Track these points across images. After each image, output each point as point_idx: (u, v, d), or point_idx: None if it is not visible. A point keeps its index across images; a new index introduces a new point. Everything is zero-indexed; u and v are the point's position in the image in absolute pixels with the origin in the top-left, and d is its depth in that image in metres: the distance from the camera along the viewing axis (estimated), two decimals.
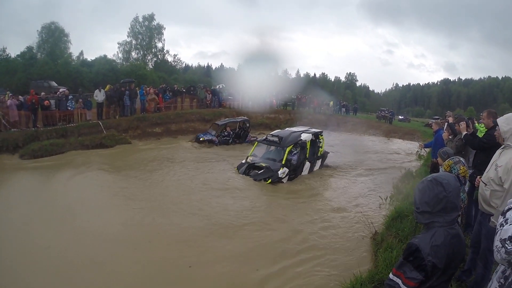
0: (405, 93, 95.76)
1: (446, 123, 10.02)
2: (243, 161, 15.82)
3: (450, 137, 8.52)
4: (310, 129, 17.41)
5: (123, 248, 8.32)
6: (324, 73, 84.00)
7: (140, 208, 10.75)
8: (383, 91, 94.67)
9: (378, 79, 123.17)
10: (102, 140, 19.16)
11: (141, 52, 46.63)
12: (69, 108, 20.23)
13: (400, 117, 44.39)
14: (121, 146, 19.64)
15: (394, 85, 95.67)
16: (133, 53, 46.66)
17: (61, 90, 22.90)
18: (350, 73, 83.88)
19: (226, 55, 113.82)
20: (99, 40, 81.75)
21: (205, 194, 12.50)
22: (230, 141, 22.24)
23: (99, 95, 20.97)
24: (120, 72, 36.81)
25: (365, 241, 8.97)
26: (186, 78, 50.14)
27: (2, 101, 18.41)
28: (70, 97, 20.82)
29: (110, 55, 46.61)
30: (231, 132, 22.59)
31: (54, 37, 41.02)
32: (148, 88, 24.71)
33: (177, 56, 54.26)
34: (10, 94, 19.64)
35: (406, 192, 10.99)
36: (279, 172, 14.23)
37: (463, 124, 6.97)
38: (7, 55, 41.22)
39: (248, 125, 23.81)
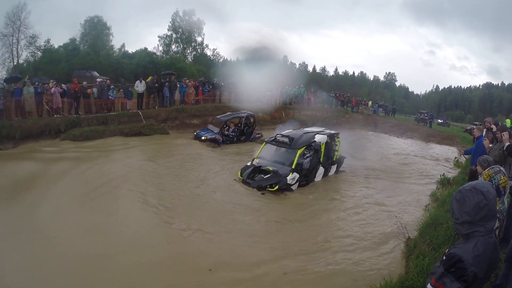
0: (445, 96, 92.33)
1: (485, 130, 9.84)
2: (249, 164, 14.20)
3: (490, 145, 8.22)
4: (325, 130, 15.87)
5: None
6: (362, 72, 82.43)
7: None
8: (422, 92, 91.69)
9: (418, 80, 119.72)
10: (141, 129, 19.47)
11: (181, 46, 47.09)
12: (110, 97, 20.66)
13: (439, 120, 42.80)
14: (159, 136, 19.85)
15: (435, 87, 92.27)
16: (173, 46, 47.25)
17: (98, 80, 23.41)
18: (389, 72, 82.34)
19: (266, 50, 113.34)
20: (140, 34, 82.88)
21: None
22: (234, 139, 20.40)
23: (140, 86, 21.41)
24: (160, 65, 37.35)
25: (397, 246, 8.73)
26: (225, 72, 50.20)
27: (46, 88, 19.05)
28: (111, 87, 21.17)
29: (150, 48, 47.23)
30: (235, 129, 20.68)
31: (96, 29, 41.92)
32: (187, 81, 24.92)
33: (216, 50, 54.52)
34: (54, 82, 19.93)
35: (442, 199, 10.88)
36: (288, 178, 12.61)
37: (506, 135, 6.90)
38: (51, 45, 42.04)
39: (253, 120, 21.91)
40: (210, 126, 20.60)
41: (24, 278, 6.74)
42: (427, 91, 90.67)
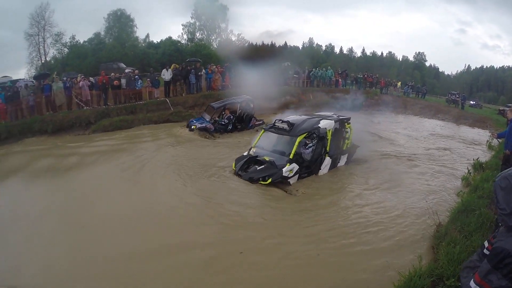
0: (477, 76, 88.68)
1: None
2: (245, 153, 12.82)
3: None
4: (334, 115, 13.92)
5: None
6: (391, 52, 79.42)
7: None
8: (453, 73, 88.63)
9: (448, 60, 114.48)
10: (169, 116, 19.63)
11: (205, 33, 46.76)
12: (138, 87, 20.97)
13: (471, 102, 40.94)
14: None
15: (466, 67, 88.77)
16: (197, 34, 46.82)
17: (126, 70, 23.65)
18: (419, 52, 78.87)
19: (293, 33, 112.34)
20: (164, 24, 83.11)
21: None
22: (229, 127, 18.52)
23: (166, 74, 21.64)
24: (185, 53, 37.48)
25: (427, 232, 8.28)
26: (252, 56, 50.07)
27: (75, 82, 19.68)
28: (136, 77, 21.48)
29: (175, 37, 47.13)
30: (231, 116, 18.71)
31: (120, 22, 42.31)
32: (214, 67, 24.80)
33: (241, 35, 54.23)
34: (82, 76, 20.62)
35: (474, 184, 10.35)
36: (283, 169, 11.13)
37: None
38: (77, 41, 42.81)
39: (252, 106, 19.68)
40: (205, 114, 18.98)
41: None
42: (458, 71, 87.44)
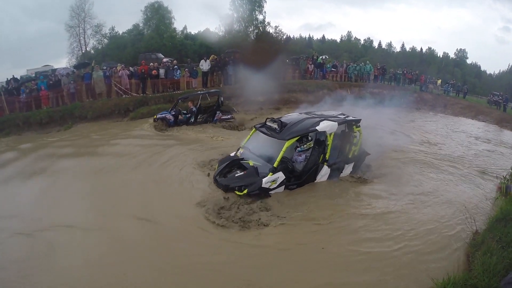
0: None
1: None
2: (232, 154, 11.38)
3: None
4: (341, 116, 11.89)
5: None
6: (431, 48, 76.52)
7: None
8: (496, 72, 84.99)
9: (491, 59, 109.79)
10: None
11: (243, 24, 46.55)
12: (176, 77, 21.28)
13: None
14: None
15: (510, 66, 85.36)
16: (234, 26, 46.67)
17: (164, 60, 23.85)
18: (460, 49, 75.68)
19: (332, 26, 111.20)
20: (202, 15, 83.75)
21: None
22: (191, 120, 17.59)
23: (205, 65, 21.76)
24: (222, 44, 37.47)
25: (463, 238, 7.90)
26: (288, 49, 49.71)
27: (114, 71, 20.30)
28: (175, 67, 21.77)
29: (212, 28, 47.53)
30: (193, 109, 17.73)
31: (158, 14, 42.82)
32: None
33: (278, 27, 53.99)
34: (122, 66, 21.37)
35: None
36: (264, 179, 9.54)
37: None
38: (116, 32, 44.06)
39: (220, 99, 18.50)
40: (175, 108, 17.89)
41: None
42: (501, 71, 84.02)
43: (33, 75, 26.33)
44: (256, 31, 46.58)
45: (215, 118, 18.03)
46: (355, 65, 28.87)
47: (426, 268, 6.79)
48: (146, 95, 19.96)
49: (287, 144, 9.89)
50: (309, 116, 11.36)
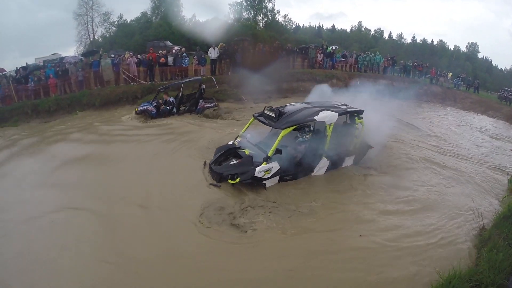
0: None
1: None
2: (230, 142, 11.33)
3: None
4: (343, 106, 11.51)
5: None
6: (442, 41, 75.23)
7: None
8: (508, 68, 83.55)
9: (503, 54, 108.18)
10: (215, 94, 19.35)
11: (252, 12, 46.48)
12: (184, 65, 21.22)
13: None
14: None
15: None
16: (244, 14, 46.66)
17: (175, 48, 23.80)
18: (471, 43, 75.08)
19: (344, 16, 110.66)
20: (211, 3, 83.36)
21: None
22: (173, 110, 17.00)
23: (213, 53, 21.70)
24: (231, 32, 37.36)
25: (470, 234, 7.94)
26: (297, 38, 49.55)
27: (123, 59, 20.40)
28: (184, 54, 21.69)
29: (221, 16, 47.51)
30: (172, 99, 17.14)
31: (166, 2, 42.80)
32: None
33: (288, 16, 53.81)
34: (130, 53, 21.31)
35: None
36: (257, 168, 9.39)
37: None
38: (124, 20, 44.46)
39: (202, 87, 17.95)
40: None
41: None
42: None
43: (41, 63, 26.37)
44: (265, 19, 46.51)
45: (199, 107, 17.56)
46: (365, 55, 28.55)
47: (432, 262, 6.80)
48: (155, 82, 19.93)
49: (283, 133, 9.67)
50: (309, 106, 11.09)
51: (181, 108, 17.25)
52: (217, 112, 17.45)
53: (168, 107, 16.79)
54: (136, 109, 16.59)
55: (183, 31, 37.42)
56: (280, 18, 50.17)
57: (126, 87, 19.27)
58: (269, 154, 9.50)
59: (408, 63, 31.45)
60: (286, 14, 66.07)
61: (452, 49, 73.64)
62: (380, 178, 10.80)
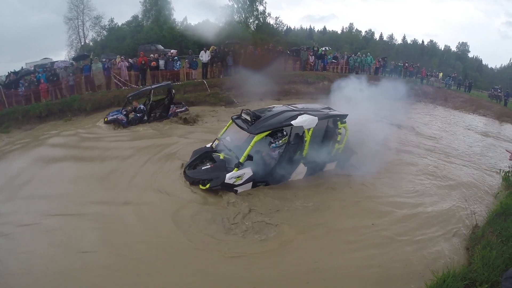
0: None
1: None
2: (208, 145, 11.02)
3: None
4: (325, 110, 10.89)
5: None
6: (432, 41, 75.79)
7: None
8: (498, 66, 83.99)
9: (493, 53, 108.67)
10: (206, 97, 19.59)
11: (243, 15, 46.38)
12: (176, 68, 21.20)
13: None
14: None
15: (511, 61, 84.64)
16: (235, 16, 46.48)
17: (172, 51, 23.87)
18: (462, 42, 74.98)
19: (335, 18, 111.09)
20: (202, 6, 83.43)
21: None
22: (145, 118, 16.31)
23: (204, 56, 21.77)
24: (223, 35, 37.42)
25: (463, 232, 7.97)
26: (288, 40, 49.67)
27: (114, 63, 20.25)
28: (175, 58, 21.71)
29: (212, 19, 47.38)
30: (141, 107, 16.40)
31: (157, 5, 42.75)
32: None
33: (279, 18, 53.84)
34: (122, 57, 21.22)
35: None
36: (227, 175, 9.09)
37: None
38: (115, 24, 44.04)
39: (172, 92, 17.41)
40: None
41: None
42: (503, 65, 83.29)
43: (32, 68, 26.25)
44: (256, 22, 46.59)
45: (170, 113, 17.03)
46: (356, 56, 28.68)
47: (426, 261, 6.81)
48: (146, 86, 19.66)
49: (256, 138, 9.23)
50: (288, 109, 10.50)
51: (151, 115, 16.66)
52: (190, 116, 16.99)
53: (138, 115, 16.15)
54: (106, 119, 15.90)
55: (174, 34, 37.48)
56: (271, 21, 50.40)
57: (117, 91, 19.17)
58: (240, 160, 9.22)
59: (399, 64, 31.66)
60: (277, 16, 66.22)
61: (442, 49, 74.28)
62: (372, 179, 10.69)
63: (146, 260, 6.66)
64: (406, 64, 31.72)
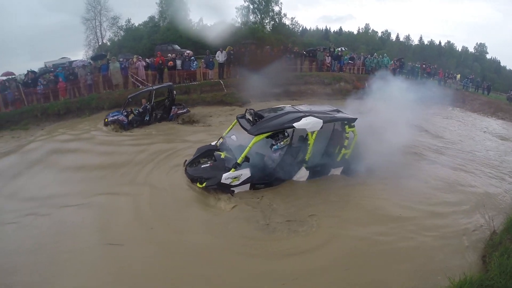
0: None
1: None
2: (213, 143, 11.16)
3: None
4: (333, 112, 10.63)
5: None
6: (449, 42, 74.03)
7: None
8: None
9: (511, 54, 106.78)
10: (223, 97, 19.69)
11: (259, 16, 46.48)
12: (192, 68, 21.37)
13: None
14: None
15: None
16: (250, 17, 46.62)
17: (187, 52, 24.03)
18: (479, 43, 73.33)
19: (352, 18, 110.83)
20: (218, 7, 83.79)
21: None
22: (146, 118, 16.29)
23: (221, 56, 21.95)
24: (238, 35, 37.45)
25: (481, 238, 7.84)
26: (304, 41, 49.61)
27: (131, 63, 20.48)
28: (192, 58, 21.88)
29: (228, 20, 46.92)
30: (146, 106, 16.29)
31: (173, 6, 42.99)
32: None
33: (295, 19, 53.85)
34: (139, 57, 21.40)
35: None
36: (224, 175, 9.09)
37: None
38: (132, 24, 44.40)
39: (173, 93, 17.30)
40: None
41: None
42: None
43: (51, 67, 26.65)
44: (272, 22, 46.55)
45: (171, 114, 16.94)
46: (372, 57, 28.46)
47: (443, 267, 6.74)
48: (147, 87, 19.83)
49: (255, 139, 9.14)
50: (294, 111, 10.28)
51: (152, 116, 16.57)
52: (191, 118, 17.08)
53: (139, 117, 16.13)
54: (106, 119, 15.81)
55: (190, 34, 37.59)
56: (287, 21, 50.42)
57: (134, 90, 19.23)
58: (238, 161, 9.15)
59: (416, 65, 31.30)
60: (293, 17, 66.06)
61: (460, 50, 73.15)
62: (384, 183, 10.57)
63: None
64: (424, 65, 31.37)
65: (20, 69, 24.10)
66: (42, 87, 17.95)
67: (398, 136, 11.86)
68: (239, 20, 46.65)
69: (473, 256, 7.16)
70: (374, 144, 11.01)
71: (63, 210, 8.74)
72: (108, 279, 6.43)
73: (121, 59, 21.61)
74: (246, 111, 10.17)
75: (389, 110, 13.20)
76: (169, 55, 21.98)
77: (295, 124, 9.44)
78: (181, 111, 17.12)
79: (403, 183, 10.55)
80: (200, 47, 32.31)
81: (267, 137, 9.44)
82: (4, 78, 19.65)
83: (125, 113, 15.91)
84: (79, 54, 43.57)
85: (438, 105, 25.49)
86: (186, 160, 10.66)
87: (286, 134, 9.63)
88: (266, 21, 46.31)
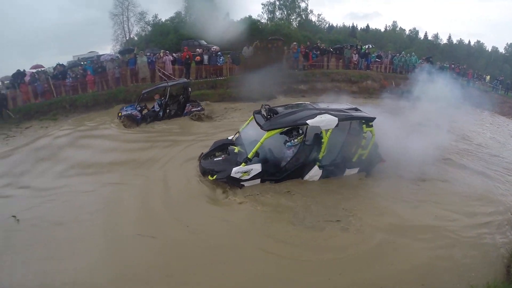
0: None
1: None
2: (230, 137, 11.20)
3: None
4: (350, 111, 10.21)
5: None
6: (479, 41, 72.47)
7: None
8: None
9: None
10: (249, 93, 19.20)
11: (285, 12, 46.63)
12: (219, 63, 21.54)
13: None
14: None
15: None
16: (277, 13, 46.85)
17: (214, 47, 24.11)
18: (510, 43, 70.48)
19: (379, 16, 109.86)
20: (244, 2, 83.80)
21: None
22: (160, 114, 16.17)
23: (247, 52, 22.04)
24: (265, 32, 37.34)
25: (506, 246, 7.65)
26: (331, 37, 49.24)
27: (158, 57, 20.69)
28: (219, 53, 21.98)
29: (254, 16, 47.56)
30: (161, 102, 16.23)
31: (199, 2, 43.27)
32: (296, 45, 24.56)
33: (321, 15, 53.57)
34: (166, 52, 21.64)
35: None
36: (234, 169, 9.12)
37: None
38: (159, 20, 45.29)
39: (188, 90, 17.09)
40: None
41: None
42: None
43: (80, 61, 27.13)
44: (298, 19, 46.42)
45: (186, 111, 16.76)
46: (400, 56, 27.94)
47: (465, 275, 6.65)
48: (190, 80, 19.98)
49: (267, 135, 9.04)
50: (310, 108, 10.10)
51: (166, 112, 16.44)
52: (203, 114, 16.94)
53: (151, 111, 16.18)
54: (120, 113, 15.84)
55: (216, 30, 37.73)
56: (313, 18, 50.20)
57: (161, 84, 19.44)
58: (249, 156, 9.14)
59: (445, 65, 30.62)
60: (320, 13, 65.41)
61: (490, 50, 71.40)
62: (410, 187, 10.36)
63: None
64: (452, 65, 30.67)
65: (49, 62, 24.59)
66: (70, 79, 18.38)
67: (421, 138, 11.78)
68: (265, 16, 46.83)
69: (497, 266, 7.01)
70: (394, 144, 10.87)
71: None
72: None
73: (148, 54, 21.85)
74: (261, 107, 10.02)
75: (416, 112, 12.95)
76: (197, 50, 22.18)
77: (308, 121, 9.24)
78: (195, 109, 16.96)
79: (428, 188, 10.43)
80: (226, 42, 32.47)
81: (281, 133, 9.47)
82: (34, 70, 20.04)
83: (139, 108, 15.91)
84: (107, 48, 44.64)
85: (466, 107, 24.88)
86: (202, 153, 10.78)
87: (300, 131, 9.56)
88: (293, 17, 46.33)
